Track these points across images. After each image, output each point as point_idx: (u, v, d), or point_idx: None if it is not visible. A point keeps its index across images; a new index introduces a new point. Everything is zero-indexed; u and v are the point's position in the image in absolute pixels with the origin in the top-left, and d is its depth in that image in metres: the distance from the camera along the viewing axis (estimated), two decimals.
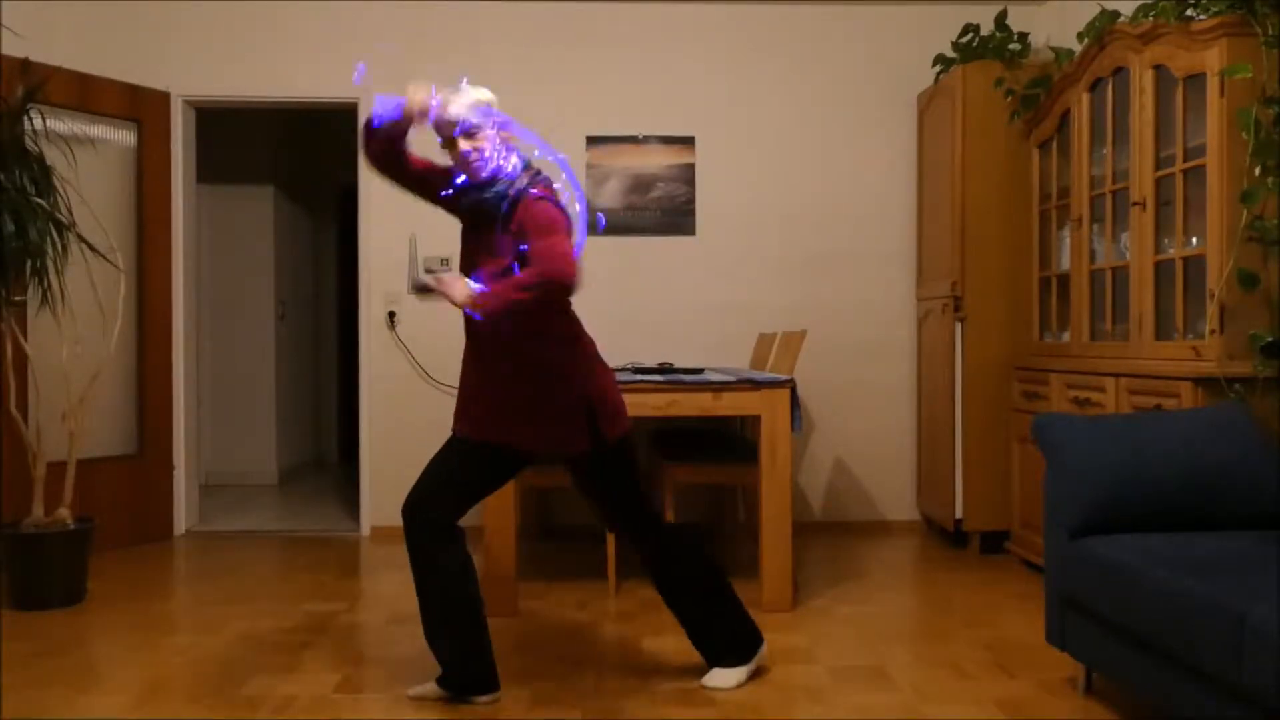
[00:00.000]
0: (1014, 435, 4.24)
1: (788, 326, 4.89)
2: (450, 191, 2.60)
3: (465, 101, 2.52)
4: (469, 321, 2.59)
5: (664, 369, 3.94)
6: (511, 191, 2.55)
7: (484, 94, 2.57)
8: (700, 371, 3.87)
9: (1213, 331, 3.04)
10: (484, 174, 2.55)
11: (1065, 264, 4.03)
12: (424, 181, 2.65)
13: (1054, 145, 4.13)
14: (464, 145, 2.53)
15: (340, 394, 7.55)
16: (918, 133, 4.97)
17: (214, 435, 6.41)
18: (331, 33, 4.88)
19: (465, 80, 2.59)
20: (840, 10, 5.00)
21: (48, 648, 3.11)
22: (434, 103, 2.47)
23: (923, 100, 4.87)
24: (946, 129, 4.52)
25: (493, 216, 2.56)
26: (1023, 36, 4.46)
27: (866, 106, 5.00)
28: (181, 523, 4.91)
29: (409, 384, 4.91)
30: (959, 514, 4.40)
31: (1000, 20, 4.47)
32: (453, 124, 2.52)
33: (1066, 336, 3.99)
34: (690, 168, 4.95)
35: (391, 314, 4.89)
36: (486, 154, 2.54)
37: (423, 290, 2.64)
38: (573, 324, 2.68)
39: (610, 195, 4.93)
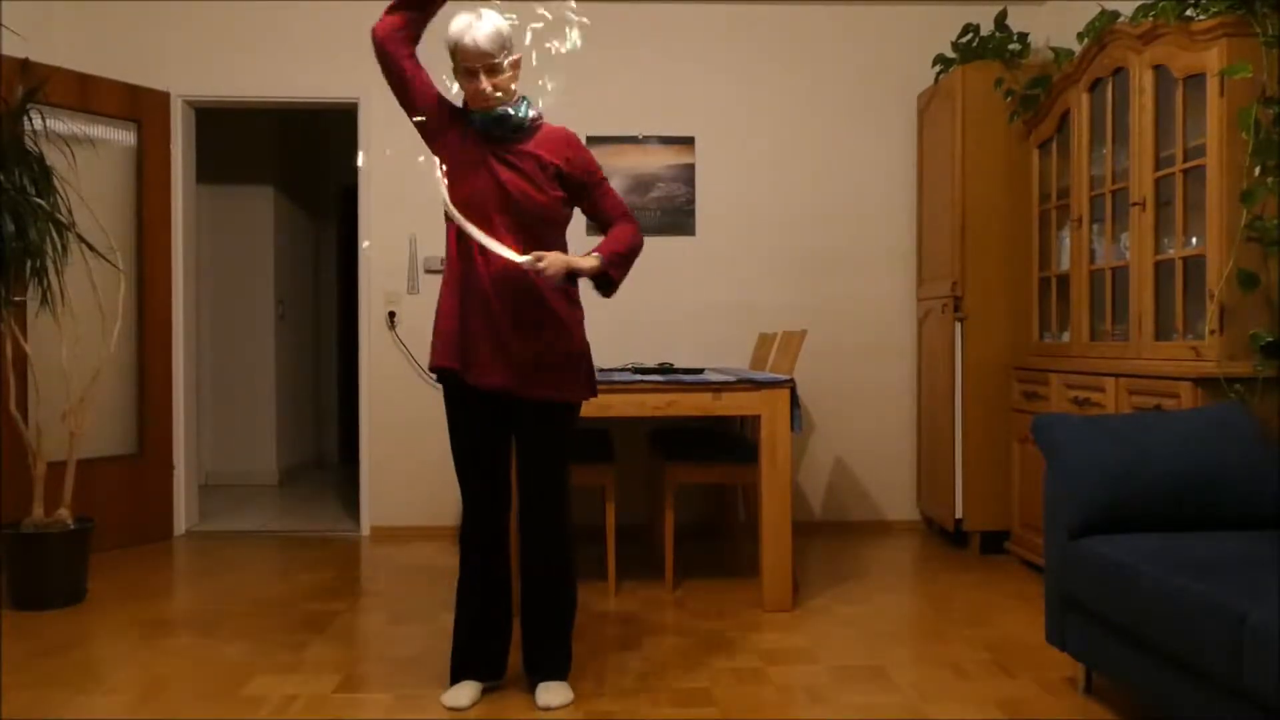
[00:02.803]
0: (1014, 435, 4.24)
1: (788, 326, 4.89)
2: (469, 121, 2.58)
3: (489, 32, 2.49)
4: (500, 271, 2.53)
5: (664, 369, 3.94)
6: (532, 113, 2.60)
7: (504, 24, 2.54)
8: (700, 371, 3.87)
9: (1213, 331, 3.04)
10: (498, 109, 2.54)
11: (1065, 264, 4.03)
12: (407, 84, 2.57)
13: (1054, 145, 4.13)
14: (485, 83, 2.51)
15: (340, 394, 7.55)
16: (918, 133, 4.97)
17: (214, 435, 6.42)
18: (331, 33, 4.88)
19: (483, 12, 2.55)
20: (840, 10, 5.00)
21: (47, 648, 3.11)
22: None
23: (923, 100, 4.87)
24: (946, 129, 4.52)
25: (508, 140, 2.57)
26: (1022, 37, 4.46)
27: (866, 106, 5.01)
28: (181, 523, 4.91)
29: (409, 384, 4.91)
30: (959, 514, 4.40)
31: (1000, 20, 4.47)
32: (484, 54, 2.49)
33: (1066, 336, 3.99)
34: (690, 168, 4.95)
35: (391, 314, 4.89)
36: (503, 92, 2.54)
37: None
38: None
39: None
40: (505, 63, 2.53)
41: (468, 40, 2.48)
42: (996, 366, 4.36)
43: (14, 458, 3.90)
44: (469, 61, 2.50)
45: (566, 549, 2.68)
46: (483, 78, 2.51)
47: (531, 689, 2.67)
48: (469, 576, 2.68)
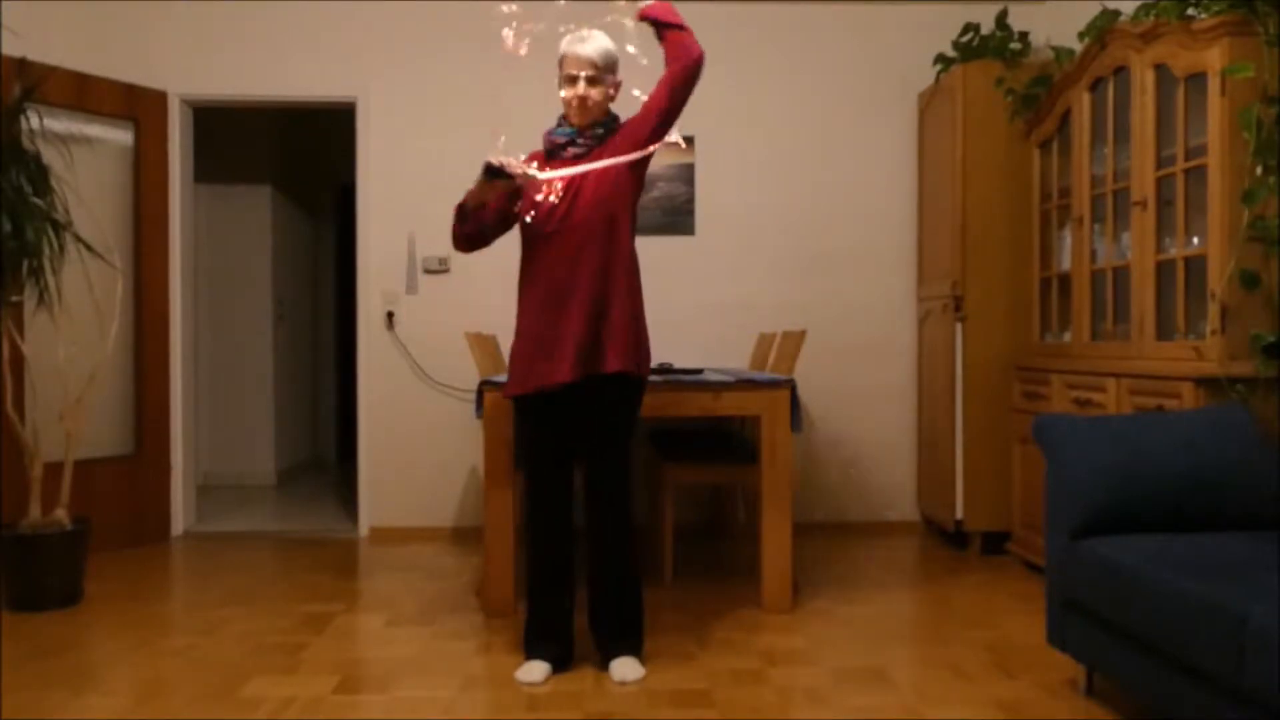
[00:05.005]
0: (1015, 435, 4.23)
1: (788, 326, 4.88)
2: (559, 144, 2.80)
3: (597, 46, 2.75)
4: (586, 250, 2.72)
5: (663, 369, 3.92)
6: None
7: (613, 46, 2.78)
8: (700, 372, 3.86)
9: (1214, 332, 3.03)
10: (587, 120, 2.78)
11: (1066, 264, 4.02)
12: (501, 225, 2.91)
13: (1055, 145, 4.12)
14: (583, 88, 2.74)
15: (338, 394, 7.54)
16: (918, 132, 4.96)
17: (211, 436, 6.40)
18: (330, 31, 4.87)
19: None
20: (841, 9, 4.98)
21: (44, 649, 3.10)
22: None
23: (923, 100, 4.86)
24: (947, 128, 4.51)
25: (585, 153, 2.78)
26: (1023, 36, 4.45)
27: (866, 106, 4.99)
28: (179, 523, 4.89)
29: (407, 384, 4.90)
30: (959, 514, 4.39)
31: (1001, 19, 4.46)
32: (588, 62, 2.74)
33: (1067, 336, 3.98)
34: (690, 168, 4.94)
35: (390, 314, 4.88)
36: (596, 105, 2.77)
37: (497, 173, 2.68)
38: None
39: None
40: (606, 79, 2.77)
41: (575, 49, 2.76)
42: (997, 366, 4.35)
43: (11, 458, 3.89)
44: (572, 68, 2.76)
45: (630, 529, 2.87)
46: (582, 84, 2.75)
47: (603, 666, 2.84)
48: (541, 565, 2.86)
